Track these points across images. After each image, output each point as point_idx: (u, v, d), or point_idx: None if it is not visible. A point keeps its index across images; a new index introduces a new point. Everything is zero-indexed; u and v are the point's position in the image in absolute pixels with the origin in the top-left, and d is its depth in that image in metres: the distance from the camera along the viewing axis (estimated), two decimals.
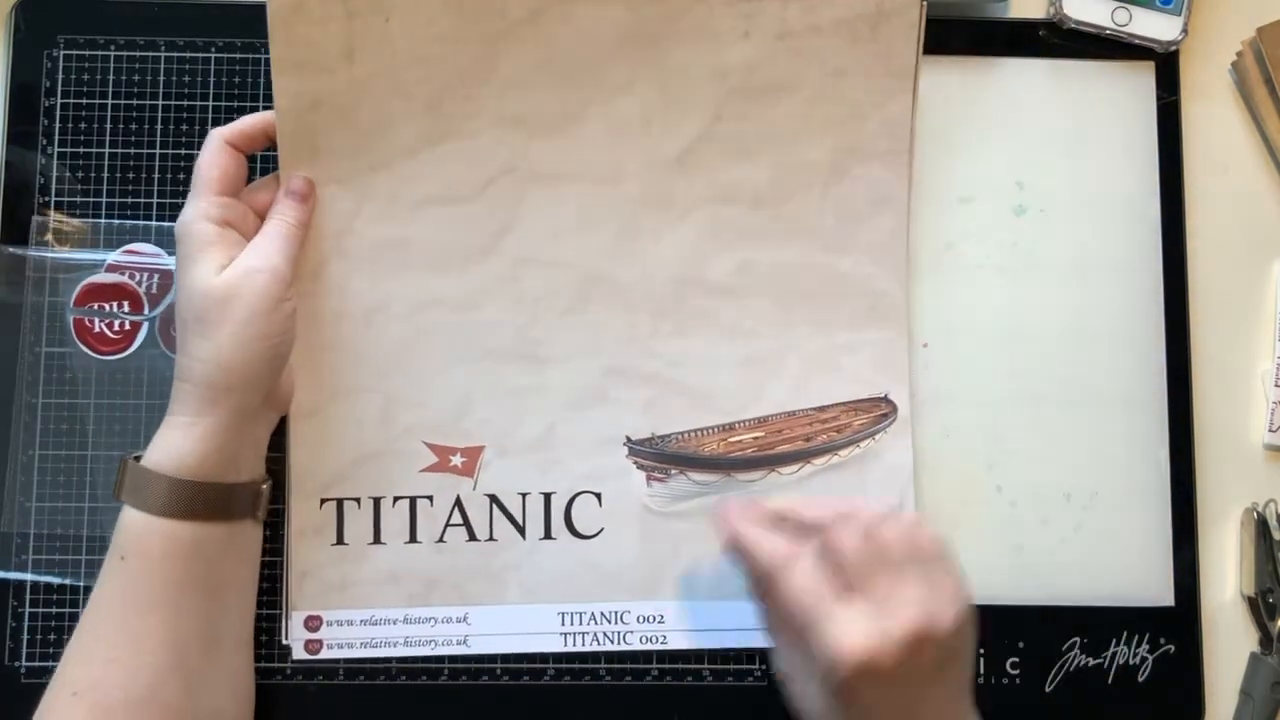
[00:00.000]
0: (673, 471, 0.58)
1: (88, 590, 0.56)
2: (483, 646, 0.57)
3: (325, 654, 0.57)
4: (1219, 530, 0.60)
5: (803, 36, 0.57)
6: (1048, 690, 0.58)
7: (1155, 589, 0.59)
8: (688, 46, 0.57)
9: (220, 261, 0.51)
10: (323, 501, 0.57)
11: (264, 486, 0.54)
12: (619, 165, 0.57)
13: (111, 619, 0.50)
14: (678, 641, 0.57)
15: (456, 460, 0.57)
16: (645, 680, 0.58)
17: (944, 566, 0.46)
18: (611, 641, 0.57)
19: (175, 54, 0.60)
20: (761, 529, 0.49)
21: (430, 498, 0.57)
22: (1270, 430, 0.61)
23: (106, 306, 0.59)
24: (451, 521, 0.57)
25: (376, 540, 0.57)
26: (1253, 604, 0.60)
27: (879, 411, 0.58)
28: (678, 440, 0.58)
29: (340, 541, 0.57)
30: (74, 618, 0.57)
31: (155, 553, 0.50)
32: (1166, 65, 0.62)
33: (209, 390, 0.51)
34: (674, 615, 0.57)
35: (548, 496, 0.57)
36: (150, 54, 0.60)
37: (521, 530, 0.57)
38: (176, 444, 0.51)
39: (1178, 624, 0.59)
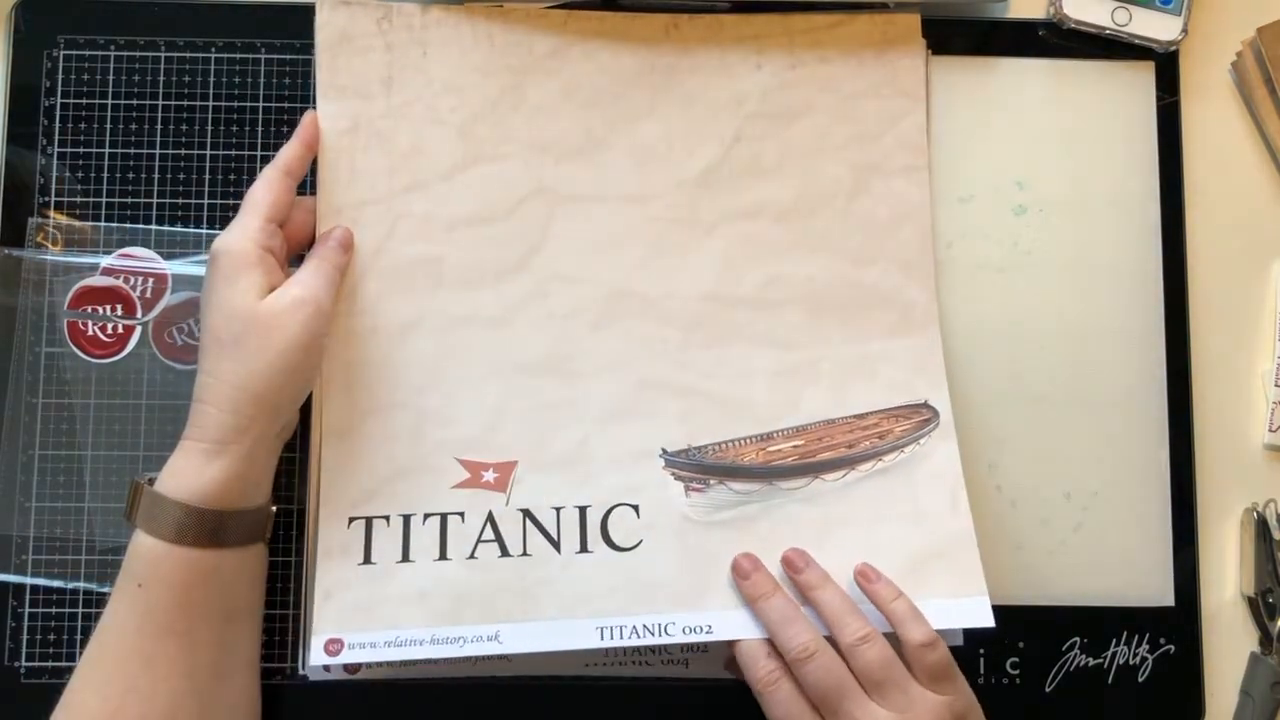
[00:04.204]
0: (712, 481, 0.56)
1: (86, 592, 0.57)
2: (517, 668, 0.54)
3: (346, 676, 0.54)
4: (1219, 530, 0.60)
5: (813, 65, 0.60)
6: (1048, 690, 0.58)
7: (1155, 589, 0.59)
8: (703, 77, 0.59)
9: (261, 286, 0.51)
10: (351, 520, 0.55)
11: (272, 509, 0.54)
12: (645, 185, 0.59)
13: (127, 646, 0.49)
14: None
15: (489, 476, 0.56)
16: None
17: (941, 689, 0.49)
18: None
19: (175, 54, 0.60)
20: (760, 647, 0.52)
21: (461, 514, 0.55)
22: (1270, 430, 0.61)
23: (100, 310, 0.58)
24: (483, 538, 0.55)
25: (405, 559, 0.55)
26: (1252, 604, 0.60)
27: (920, 418, 0.58)
28: (715, 451, 0.57)
29: (368, 560, 0.54)
30: (74, 618, 0.57)
31: (172, 580, 0.49)
32: (1166, 65, 0.62)
33: (235, 416, 0.50)
34: (722, 626, 0.54)
35: (583, 510, 0.56)
36: (150, 54, 0.60)
37: (556, 544, 0.55)
38: (196, 471, 0.50)
39: (1178, 624, 0.59)
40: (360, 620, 0.54)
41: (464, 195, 0.58)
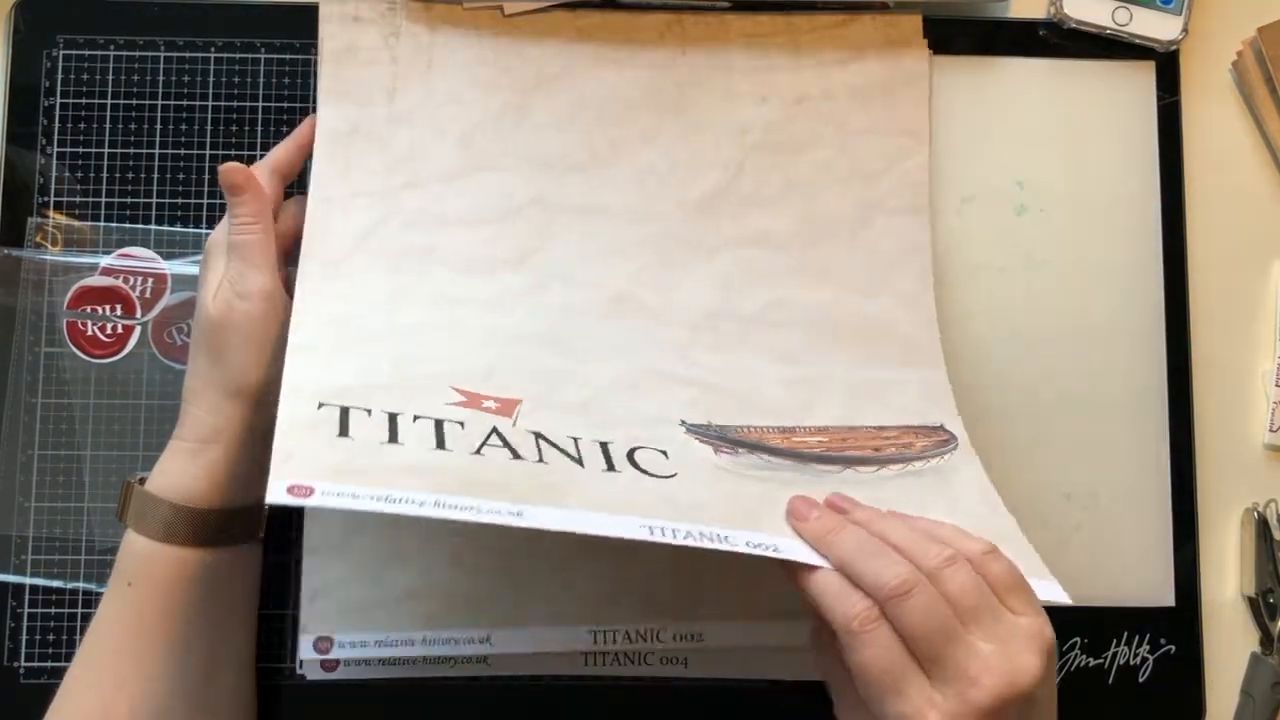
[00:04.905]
0: (741, 451, 0.51)
1: (86, 592, 0.57)
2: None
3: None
4: (1219, 530, 0.60)
5: (818, 100, 0.59)
6: None
7: (1155, 589, 0.59)
8: (708, 106, 0.59)
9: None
10: (321, 405, 0.46)
11: (265, 508, 0.54)
12: (647, 204, 0.58)
13: (118, 646, 0.49)
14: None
15: (490, 405, 0.49)
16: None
17: (1019, 603, 0.43)
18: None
19: (175, 54, 0.60)
20: (842, 583, 0.43)
21: (461, 423, 0.47)
22: (1270, 430, 0.61)
23: (99, 309, 0.58)
24: (490, 442, 0.46)
25: (393, 441, 0.45)
26: (1253, 604, 0.60)
27: (939, 438, 0.55)
28: (738, 432, 0.52)
29: (344, 434, 0.45)
30: (73, 618, 0.57)
31: (162, 578, 0.49)
32: (1167, 65, 0.62)
33: (214, 415, 0.50)
34: (790, 548, 0.45)
35: (604, 444, 0.48)
36: (150, 54, 0.60)
37: (579, 461, 0.47)
38: (182, 470, 0.50)
39: (1178, 624, 0.59)
40: (337, 477, 0.42)
41: (461, 198, 0.57)
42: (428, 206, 0.56)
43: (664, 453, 0.49)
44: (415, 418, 0.46)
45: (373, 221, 0.56)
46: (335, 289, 0.53)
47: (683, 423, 0.52)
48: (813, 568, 0.44)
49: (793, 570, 0.44)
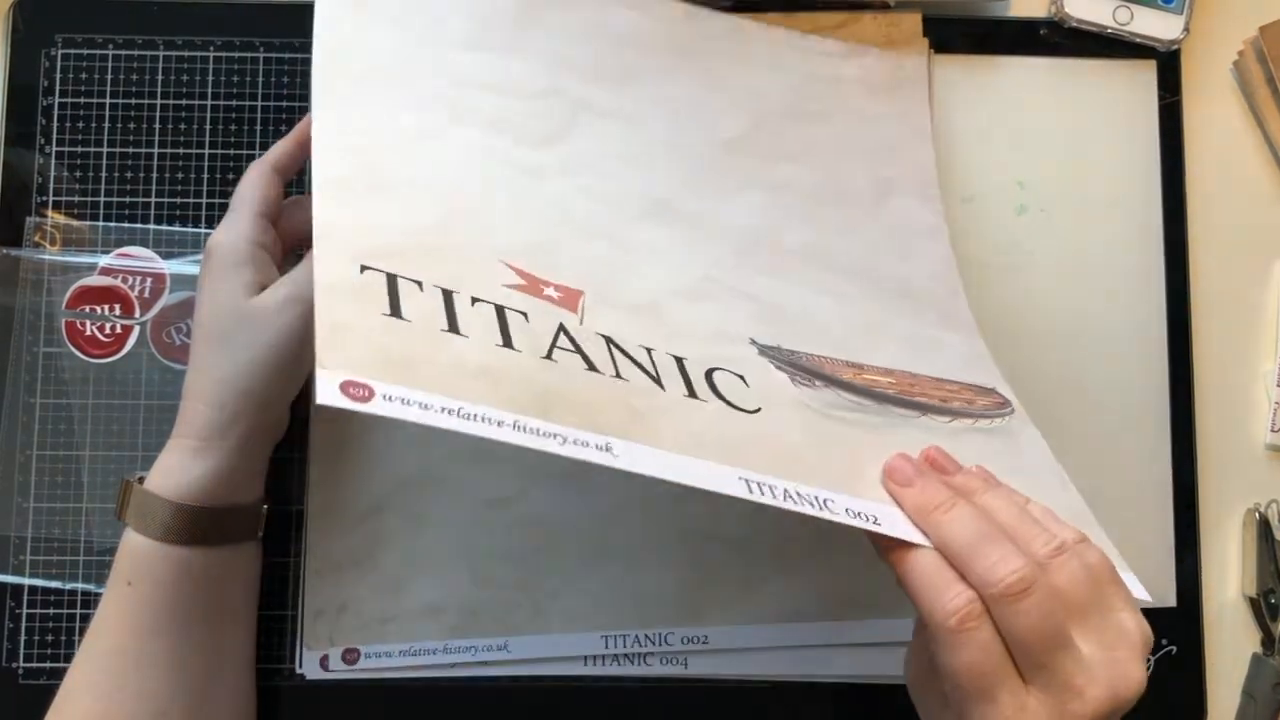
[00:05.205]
0: (818, 383, 0.46)
1: (85, 593, 0.57)
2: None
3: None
4: (1221, 531, 0.60)
5: (828, 81, 0.58)
6: None
7: (1157, 589, 0.59)
8: (723, 65, 0.57)
9: (252, 283, 0.50)
10: (364, 268, 0.40)
11: (264, 506, 0.54)
12: (670, 132, 0.54)
13: (118, 646, 0.49)
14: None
15: (551, 292, 0.43)
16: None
17: (1116, 598, 0.40)
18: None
19: (174, 53, 0.60)
20: (942, 570, 0.39)
21: (524, 314, 0.41)
22: (1272, 430, 0.60)
23: (98, 309, 0.58)
24: (559, 344, 0.41)
25: (452, 329, 0.39)
26: (1255, 605, 0.59)
27: (996, 399, 0.51)
28: (809, 359, 0.47)
29: (396, 314, 0.38)
30: (72, 619, 0.57)
31: (162, 578, 0.49)
32: (1168, 64, 0.62)
33: (221, 413, 0.50)
34: (891, 521, 0.40)
35: (679, 359, 0.43)
36: (149, 53, 0.60)
37: (658, 380, 0.42)
38: (183, 468, 0.50)
39: (1180, 624, 0.59)
40: (399, 373, 0.36)
41: (477, 65, 0.51)
42: (442, 58, 0.50)
43: (742, 378, 0.44)
44: (474, 300, 0.41)
45: (385, 54, 0.49)
46: (355, 121, 0.46)
47: (753, 341, 0.47)
48: (910, 545, 0.40)
49: (885, 544, 0.40)
